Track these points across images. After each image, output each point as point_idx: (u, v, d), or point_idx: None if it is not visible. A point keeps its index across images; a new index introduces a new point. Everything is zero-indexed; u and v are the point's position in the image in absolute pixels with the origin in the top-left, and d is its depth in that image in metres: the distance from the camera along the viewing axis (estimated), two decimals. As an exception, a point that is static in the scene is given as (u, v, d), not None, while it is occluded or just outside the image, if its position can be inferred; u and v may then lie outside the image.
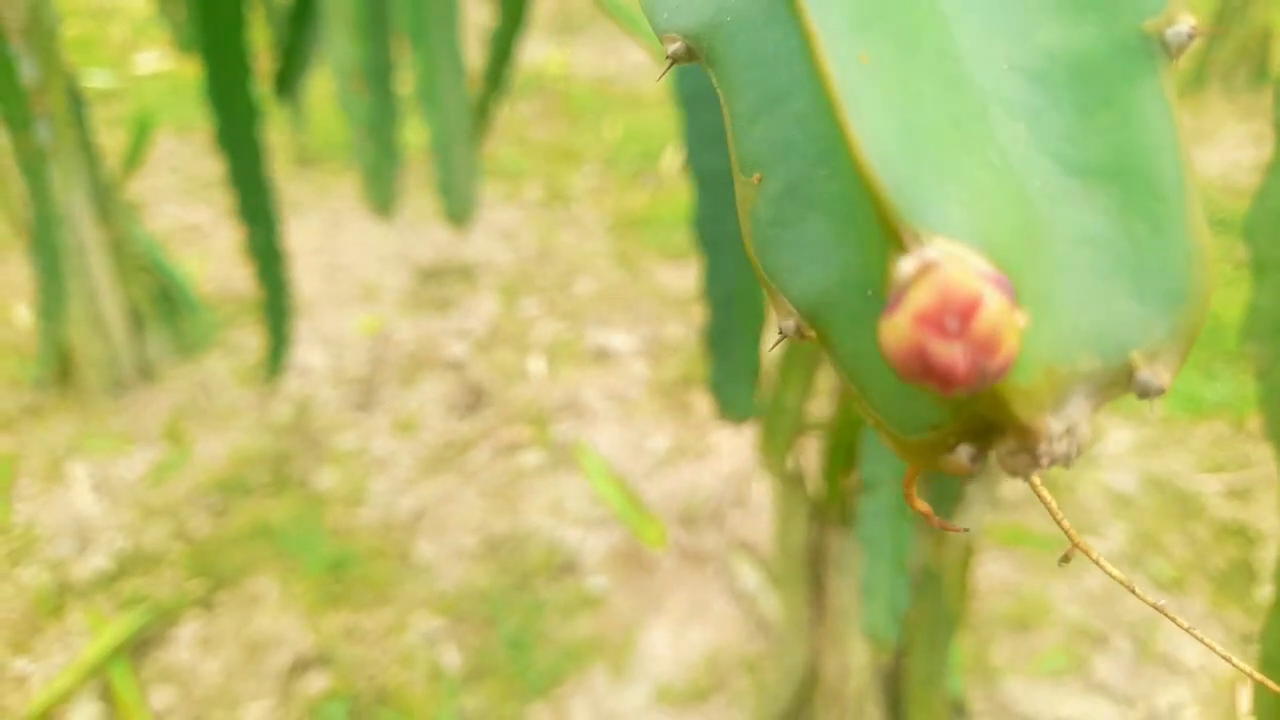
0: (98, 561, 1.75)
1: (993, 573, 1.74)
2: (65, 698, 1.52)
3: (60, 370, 2.14)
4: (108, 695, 1.53)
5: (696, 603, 1.70)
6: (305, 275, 2.58)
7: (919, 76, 0.21)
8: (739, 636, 1.64)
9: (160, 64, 3.96)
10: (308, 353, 2.30)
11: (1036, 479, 0.23)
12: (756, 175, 0.24)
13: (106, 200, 2.04)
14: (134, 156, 2.30)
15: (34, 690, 1.52)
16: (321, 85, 2.41)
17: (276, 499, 1.90)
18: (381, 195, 1.22)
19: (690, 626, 1.66)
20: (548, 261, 2.73)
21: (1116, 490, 1.91)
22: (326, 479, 1.96)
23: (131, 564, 1.76)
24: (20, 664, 1.57)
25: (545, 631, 1.65)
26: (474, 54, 1.29)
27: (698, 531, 1.83)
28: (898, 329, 0.18)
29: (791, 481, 1.26)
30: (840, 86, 0.20)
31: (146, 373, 2.20)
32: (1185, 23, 0.22)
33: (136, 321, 2.16)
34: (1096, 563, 0.25)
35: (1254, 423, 2.05)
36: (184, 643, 1.62)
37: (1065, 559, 0.25)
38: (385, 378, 2.25)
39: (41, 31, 1.77)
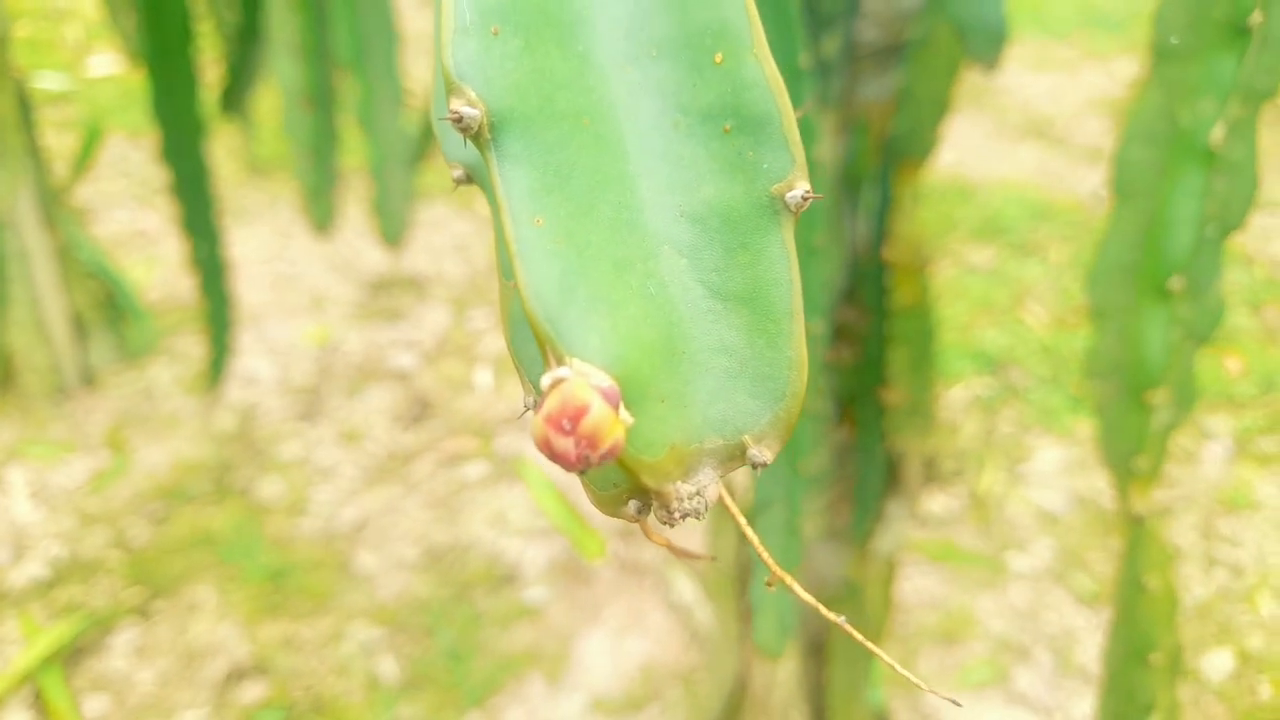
0: (33, 569, 1.75)
1: (920, 587, 1.78)
2: (-4, 706, 1.51)
3: (1, 375, 2.12)
4: (39, 703, 1.52)
5: (634, 614, 1.73)
6: (253, 285, 2.58)
7: (590, 230, 0.27)
8: (675, 648, 1.67)
9: (114, 67, 3.93)
10: (254, 362, 2.30)
11: (729, 499, 0.30)
12: (512, 281, 0.30)
13: (53, 205, 2.04)
14: (83, 161, 2.29)
15: (-35, 698, 1.52)
16: (274, 96, 2.42)
17: (217, 508, 1.91)
18: (320, 213, 1.24)
19: (627, 637, 1.69)
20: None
21: (1044, 508, 1.97)
22: (269, 488, 1.96)
23: (68, 572, 1.75)
24: (-49, 671, 1.56)
25: (483, 642, 1.67)
26: (424, 70, 1.31)
27: (637, 545, 1.86)
28: (536, 425, 0.25)
29: (722, 496, 1.30)
30: (514, 245, 0.26)
31: (89, 379, 2.19)
32: (801, 187, 0.28)
33: (80, 327, 2.16)
34: (793, 589, 0.31)
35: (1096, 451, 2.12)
36: (119, 651, 1.62)
37: (769, 584, 0.30)
38: (331, 388, 2.26)
39: (-11, 36, 1.77)
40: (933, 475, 1.98)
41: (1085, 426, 2.16)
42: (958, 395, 2.28)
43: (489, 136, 0.27)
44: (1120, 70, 4.02)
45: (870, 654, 1.33)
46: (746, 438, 0.28)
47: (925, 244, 1.06)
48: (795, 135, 0.29)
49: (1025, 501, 1.98)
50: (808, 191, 0.28)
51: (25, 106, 1.93)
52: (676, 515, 0.28)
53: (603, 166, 0.28)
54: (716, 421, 0.28)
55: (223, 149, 3.10)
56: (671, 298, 0.28)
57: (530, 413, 0.32)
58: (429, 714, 1.55)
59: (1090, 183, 3.21)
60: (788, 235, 0.29)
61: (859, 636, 0.31)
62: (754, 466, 0.29)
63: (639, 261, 0.28)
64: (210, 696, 1.55)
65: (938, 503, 1.98)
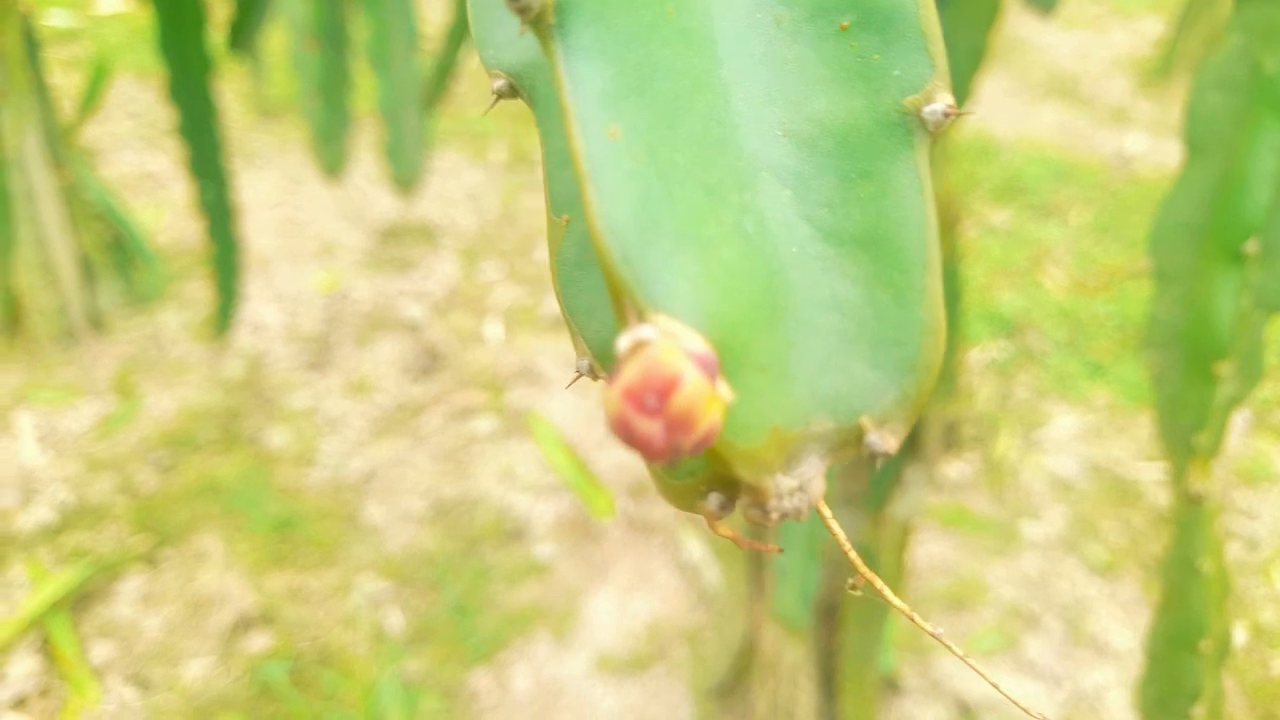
0: (41, 514, 1.74)
1: (933, 552, 1.77)
2: (3, 650, 1.51)
3: (8, 318, 2.10)
4: (47, 648, 1.52)
5: (641, 573, 1.72)
6: (262, 230, 2.55)
7: (677, 147, 0.21)
8: (682, 607, 1.66)
9: (122, 5, 3.87)
10: (262, 309, 2.28)
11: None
12: (565, 217, 0.24)
13: (60, 145, 2.00)
14: (91, 100, 2.25)
15: (-29, 641, 1.52)
16: (285, 36, 2.37)
17: (225, 456, 1.89)
18: (331, 156, 1.20)
19: (634, 596, 1.68)
20: (510, 225, 2.71)
21: (1058, 475, 1.95)
22: (277, 438, 1.95)
23: (75, 517, 1.74)
24: (-43, 614, 1.56)
25: (490, 597, 1.66)
26: (440, 12, 1.27)
27: (646, 503, 1.85)
28: (610, 402, 0.19)
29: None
30: (585, 161, 0.21)
31: (97, 323, 2.17)
32: (943, 101, 0.22)
33: (88, 271, 2.13)
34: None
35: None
36: (126, 598, 1.62)
37: (853, 587, 0.26)
38: (340, 337, 2.24)
39: (-6, -31, 1.73)
40: (952, 442, 1.96)
41: (1102, 393, 2.13)
42: (974, 358, 2.25)
43: (553, 20, 0.21)
44: (1147, 29, 3.93)
45: (882, 619, 1.32)
46: (864, 419, 0.22)
47: (954, 201, 1.02)
48: (936, 33, 0.23)
49: (1040, 468, 1.96)
50: (951, 105, 0.22)
51: (32, 43, 1.89)
52: (774, 515, 0.22)
53: (689, 69, 0.22)
54: (827, 398, 0.22)
55: (232, 91, 3.06)
56: (772, 238, 0.22)
57: (583, 378, 0.26)
58: (434, 668, 1.54)
59: (1114, 144, 3.15)
60: (922, 163, 0.23)
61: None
62: (873, 457, 0.23)
63: (734, 191, 0.22)
64: (216, 645, 1.55)
65: (952, 468, 1.96)
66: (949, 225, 1.08)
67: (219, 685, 1.49)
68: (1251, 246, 0.49)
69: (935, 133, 0.23)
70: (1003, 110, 3.39)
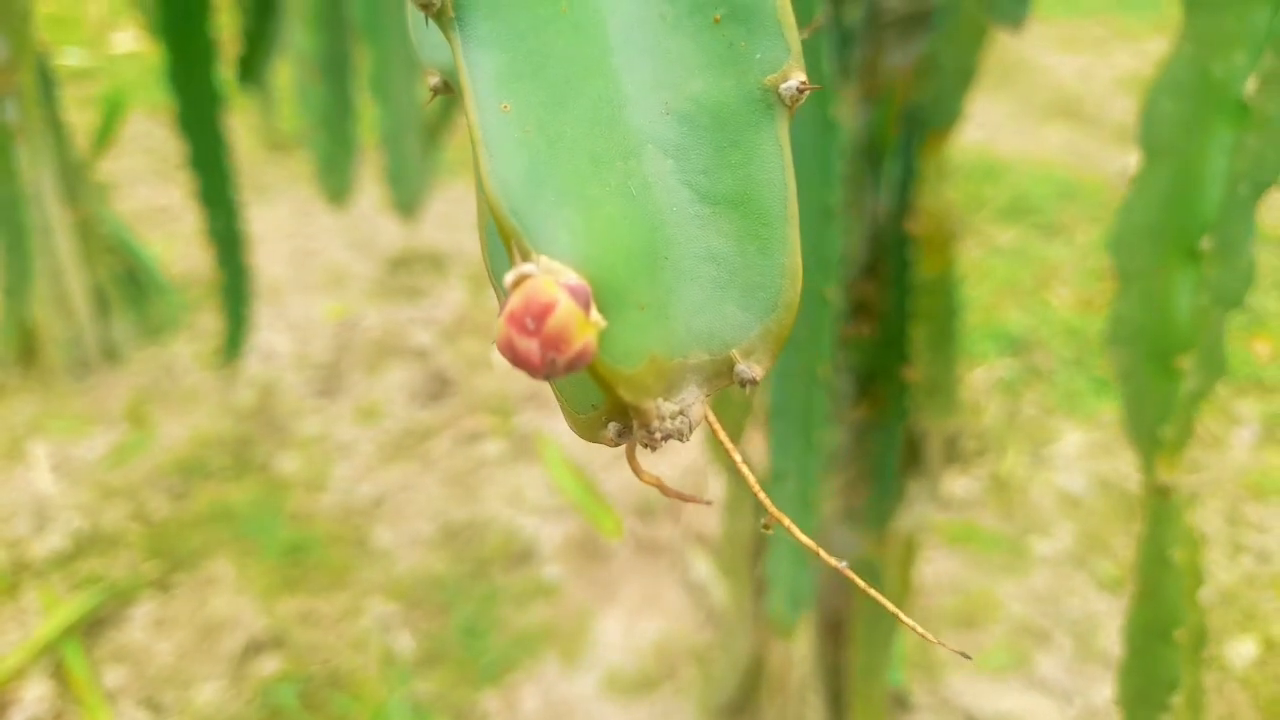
0: (54, 541, 1.76)
1: (941, 570, 1.77)
2: (17, 675, 1.52)
3: (23, 349, 2.13)
4: (60, 673, 1.53)
5: (649, 593, 1.72)
6: (273, 260, 2.58)
7: (565, 123, 0.25)
8: (690, 626, 1.66)
9: (137, 43, 3.94)
10: (273, 338, 2.30)
11: (714, 420, 0.28)
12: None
13: (75, 180, 2.04)
14: (104, 136, 2.29)
15: (-14, 667, 1.53)
16: (293, 71, 2.41)
17: (237, 483, 1.91)
18: (336, 184, 1.23)
19: (642, 616, 1.68)
20: (518, 253, 2.74)
21: (1067, 491, 1.94)
22: (287, 464, 1.97)
23: (88, 544, 1.76)
24: (-27, 641, 1.58)
25: (499, 619, 1.66)
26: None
27: (653, 523, 1.85)
28: (499, 326, 0.23)
29: (737, 474, 1.29)
30: (478, 131, 0.24)
31: (110, 354, 2.20)
32: (796, 79, 0.26)
33: (102, 302, 2.16)
34: (789, 530, 0.28)
35: (1118, 428, 2.09)
36: (138, 623, 1.63)
37: (766, 527, 0.29)
38: (350, 364, 2.26)
39: (13, 10, 1.77)
40: (954, 455, 1.96)
41: (1109, 410, 2.13)
42: (981, 376, 2.25)
43: (453, 15, 0.25)
44: (1151, 50, 3.95)
45: (890, 635, 1.32)
46: (734, 352, 0.26)
47: (950, 217, 1.04)
48: (791, 22, 0.26)
49: (1048, 485, 1.96)
50: (803, 83, 0.26)
51: (48, 82, 1.93)
52: (658, 436, 0.26)
53: (581, 57, 0.26)
54: (702, 334, 0.26)
55: (243, 125, 3.10)
56: (655, 200, 0.26)
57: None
58: (444, 690, 1.55)
59: (1119, 163, 3.16)
60: (782, 132, 0.26)
61: (863, 584, 0.29)
62: (742, 384, 0.26)
63: (619, 160, 0.25)
64: (228, 669, 1.56)
65: (960, 485, 1.96)
66: (946, 241, 1.09)
67: (230, 708, 1.50)
68: (1206, 244, 0.50)
69: (792, 106, 0.26)
70: (1008, 131, 3.41)
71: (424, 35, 0.31)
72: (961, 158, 3.07)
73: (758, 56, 0.26)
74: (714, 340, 0.26)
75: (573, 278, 0.23)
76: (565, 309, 0.22)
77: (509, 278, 0.23)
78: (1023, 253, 2.73)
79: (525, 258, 0.24)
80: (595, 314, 0.24)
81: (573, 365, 0.23)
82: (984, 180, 3.10)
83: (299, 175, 3.02)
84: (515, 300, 0.22)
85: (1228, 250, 0.51)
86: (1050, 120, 3.51)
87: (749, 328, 0.26)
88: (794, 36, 0.26)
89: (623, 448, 0.27)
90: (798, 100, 0.26)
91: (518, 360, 0.22)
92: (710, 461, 1.91)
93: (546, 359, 0.22)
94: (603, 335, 0.24)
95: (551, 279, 0.23)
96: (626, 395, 0.25)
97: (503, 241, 0.24)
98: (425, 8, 0.25)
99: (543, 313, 0.22)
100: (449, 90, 0.30)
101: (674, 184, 0.26)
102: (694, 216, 0.26)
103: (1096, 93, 3.69)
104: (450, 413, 2.12)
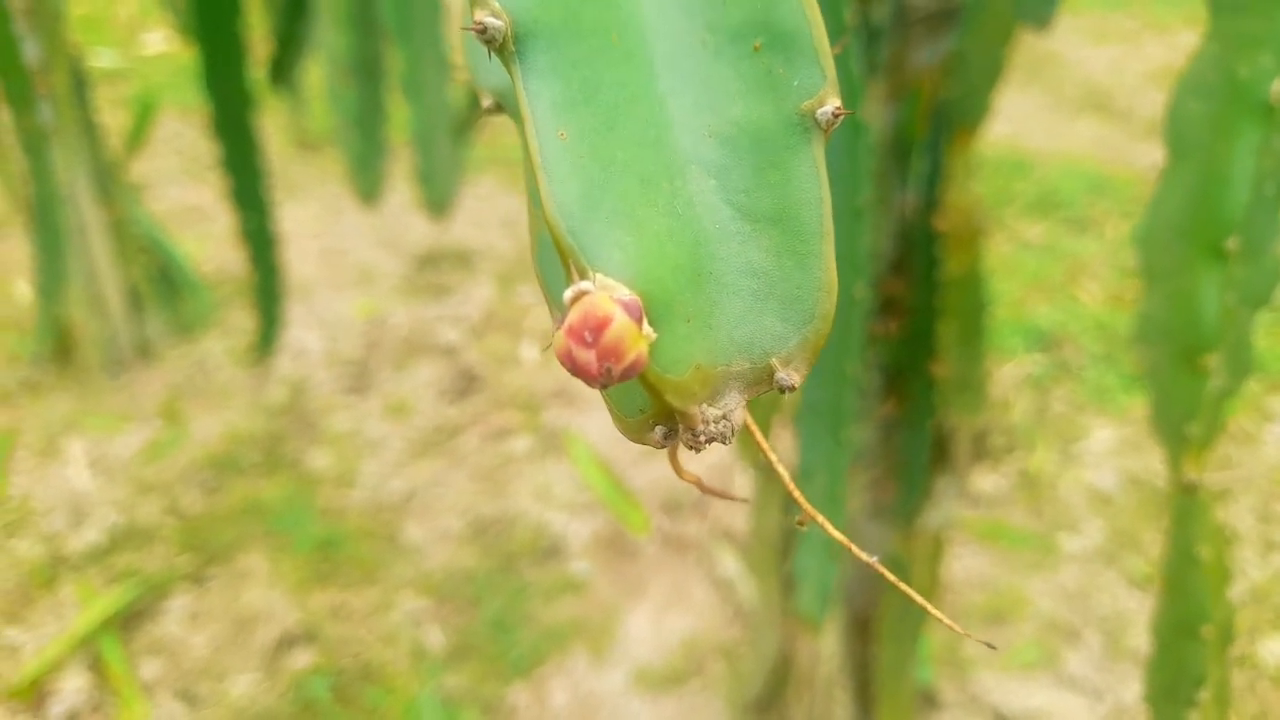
0: (91, 535, 1.79)
1: (970, 566, 1.76)
2: (56, 667, 1.55)
3: (59, 347, 2.17)
4: (97, 666, 1.56)
5: (677, 589, 1.73)
6: (303, 259, 2.61)
7: (616, 146, 0.27)
8: (717, 622, 1.67)
9: (167, 44, 3.99)
10: (304, 335, 2.33)
11: (754, 425, 0.29)
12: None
13: (108, 180, 2.07)
14: (137, 137, 2.32)
15: (25, 659, 1.56)
16: (323, 71, 2.43)
17: (269, 478, 1.94)
18: (367, 183, 1.24)
19: (670, 612, 1.69)
20: (545, 250, 2.75)
21: (1096, 488, 1.93)
22: (318, 460, 1.99)
23: (124, 539, 1.79)
24: (12, 634, 1.61)
25: (528, 613, 1.68)
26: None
27: (681, 519, 1.86)
28: (558, 338, 0.25)
29: (765, 471, 1.29)
30: (538, 157, 0.26)
31: (144, 352, 2.23)
32: (832, 104, 0.28)
33: (135, 301, 2.19)
34: (813, 517, 0.30)
35: (1146, 420, 2.07)
36: (173, 616, 1.66)
37: (800, 524, 0.31)
38: (379, 361, 2.28)
39: (47, 12, 1.80)
40: (983, 452, 1.95)
41: (1139, 406, 2.11)
42: (1010, 372, 2.24)
43: (513, 49, 0.27)
44: (1183, 42, 3.91)
45: (917, 631, 1.32)
46: (774, 360, 0.28)
47: (978, 213, 1.04)
48: (826, 49, 0.28)
49: (1077, 481, 1.95)
50: (838, 108, 0.28)
51: (81, 84, 1.96)
52: (702, 439, 0.28)
53: (630, 84, 0.28)
54: (743, 344, 0.28)
55: (274, 125, 3.13)
56: (699, 218, 0.28)
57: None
58: (474, 683, 1.56)
59: (1150, 157, 3.13)
60: (818, 154, 0.28)
61: (893, 578, 0.30)
62: (781, 390, 0.28)
63: (666, 180, 0.27)
64: (261, 662, 1.58)
65: (988, 482, 1.95)
66: (973, 237, 1.09)
67: (264, 700, 1.52)
68: (1233, 243, 0.50)
69: (828, 130, 0.28)
70: (1037, 125, 3.39)
71: (478, 61, 0.32)
72: (990, 152, 3.05)
73: (795, 83, 0.28)
74: (754, 349, 0.28)
75: (626, 293, 0.25)
76: (620, 323, 0.24)
77: (568, 294, 0.25)
78: (1052, 248, 2.71)
79: (582, 275, 0.26)
80: (647, 327, 0.26)
81: (627, 374, 0.25)
82: (1013, 174, 3.07)
83: (329, 174, 3.05)
84: (574, 315, 0.24)
85: (1254, 250, 0.51)
86: (1080, 114, 3.48)
87: (787, 338, 0.28)
88: (829, 63, 0.28)
89: (657, 447, 0.29)
90: (833, 124, 0.28)
91: (577, 370, 0.24)
92: (737, 458, 1.92)
93: (603, 368, 0.24)
94: (652, 346, 0.26)
95: (607, 295, 0.25)
96: (674, 401, 0.27)
97: (560, 260, 0.26)
98: (489, 43, 0.27)
99: (600, 326, 0.24)
100: (500, 111, 0.32)
101: (716, 202, 0.28)
102: (735, 233, 0.28)
103: (1127, 86, 3.65)
104: (478, 409, 2.14)
